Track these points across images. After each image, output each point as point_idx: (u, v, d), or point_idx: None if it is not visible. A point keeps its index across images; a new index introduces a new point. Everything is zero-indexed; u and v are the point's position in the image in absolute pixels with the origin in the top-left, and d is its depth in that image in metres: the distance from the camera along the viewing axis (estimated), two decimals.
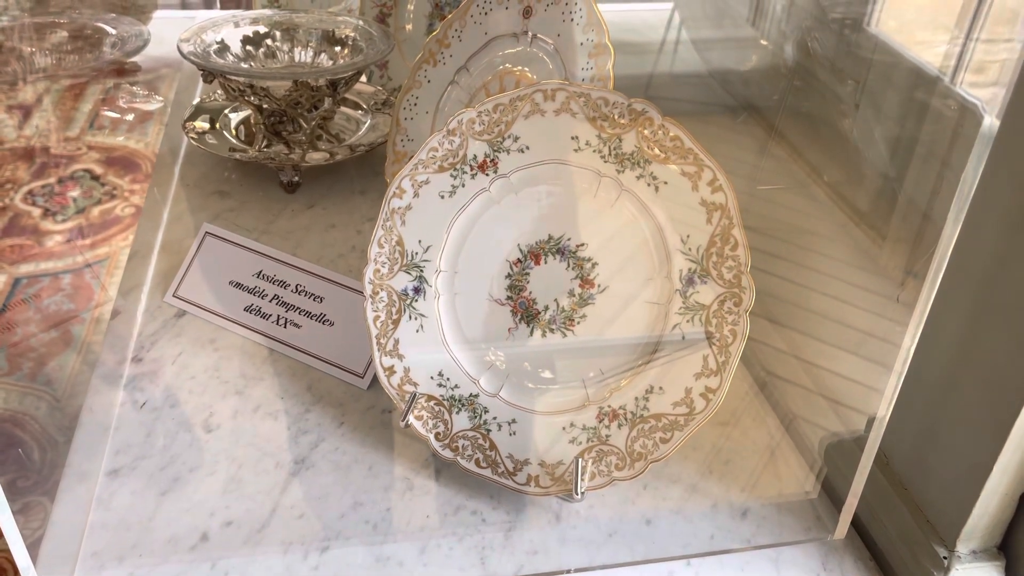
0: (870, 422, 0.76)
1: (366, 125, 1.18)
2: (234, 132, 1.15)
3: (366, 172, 1.16)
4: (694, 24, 1.23)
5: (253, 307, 0.89)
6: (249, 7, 1.41)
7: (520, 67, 0.98)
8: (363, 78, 1.24)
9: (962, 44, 0.75)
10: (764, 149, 1.05)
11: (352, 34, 1.17)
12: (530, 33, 0.96)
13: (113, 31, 1.25)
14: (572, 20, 0.94)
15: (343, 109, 1.21)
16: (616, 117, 0.70)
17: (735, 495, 0.75)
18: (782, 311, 0.87)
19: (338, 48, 1.18)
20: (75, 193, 1.18)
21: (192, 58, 1.05)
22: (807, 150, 0.93)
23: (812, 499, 0.75)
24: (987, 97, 0.59)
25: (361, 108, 1.21)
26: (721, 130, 1.13)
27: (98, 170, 1.22)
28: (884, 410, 0.65)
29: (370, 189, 1.13)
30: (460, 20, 1.00)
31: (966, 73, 0.76)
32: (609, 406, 0.70)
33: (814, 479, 0.77)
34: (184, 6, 1.74)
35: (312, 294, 0.88)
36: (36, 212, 1.16)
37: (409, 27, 1.27)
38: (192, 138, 1.12)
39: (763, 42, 1.16)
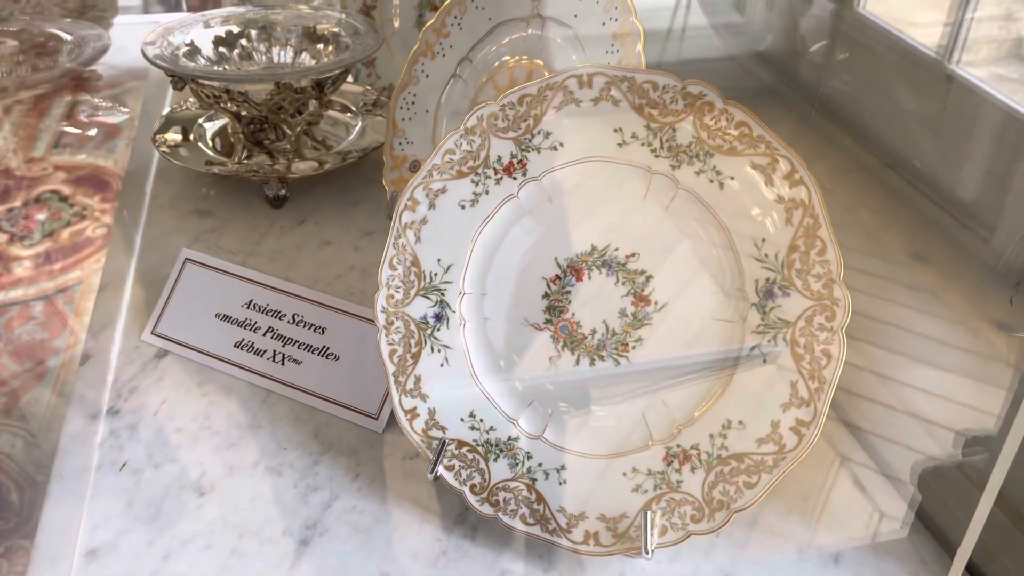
0: (966, 442, 0.66)
1: (356, 129, 1.07)
2: (211, 144, 1.03)
3: (359, 181, 1.05)
4: (713, 8, 1.13)
5: (244, 342, 0.77)
6: (218, 8, 1.30)
7: (532, 57, 0.87)
8: (349, 77, 1.13)
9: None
10: (798, 133, 0.95)
11: (335, 29, 1.06)
12: (542, 16, 0.85)
13: (69, 36, 1.12)
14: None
15: (329, 113, 1.10)
16: (668, 103, 0.60)
17: (822, 537, 0.64)
18: (852, 322, 0.76)
19: (320, 46, 1.06)
20: (42, 216, 1.08)
21: (159, 62, 0.94)
22: (882, 132, 0.83)
23: (911, 537, 0.65)
24: None
25: (350, 111, 1.10)
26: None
27: (66, 190, 1.11)
28: (1013, 442, 0.54)
29: (365, 199, 1.02)
30: (459, 6, 0.89)
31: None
32: (679, 446, 0.59)
33: (907, 511, 0.67)
34: (146, 11, 1.61)
35: (312, 324, 0.76)
36: (2, 238, 1.05)
37: (396, 22, 1.15)
38: (164, 152, 1.00)
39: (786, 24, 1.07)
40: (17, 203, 1.09)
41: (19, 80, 1.09)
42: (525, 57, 0.88)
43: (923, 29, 0.93)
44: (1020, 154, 0.67)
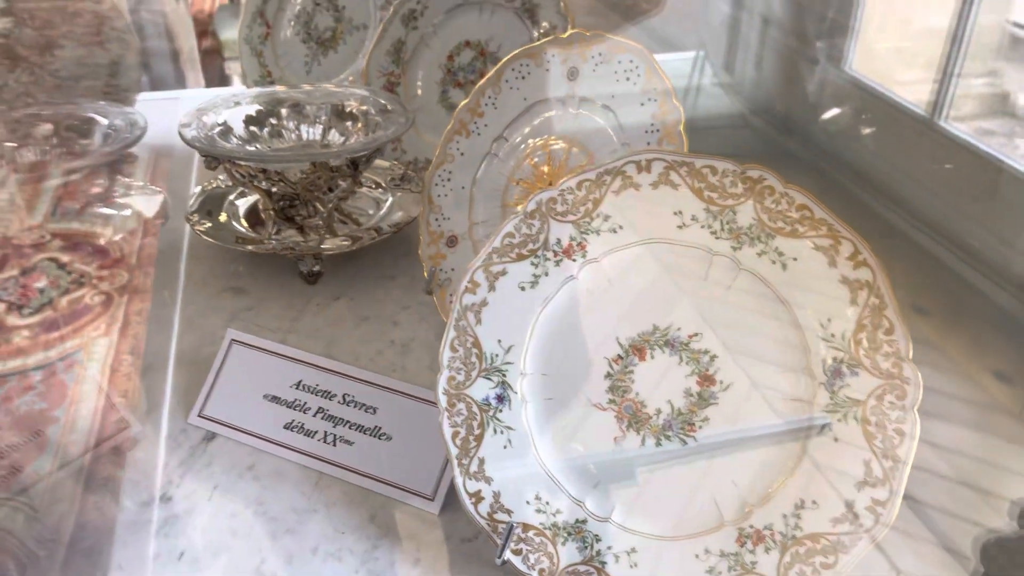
0: (1021, 511, 0.66)
1: (387, 204, 1.08)
2: (244, 221, 1.04)
3: (392, 254, 1.06)
4: (714, 70, 1.16)
5: (295, 424, 0.77)
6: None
7: (568, 135, 0.89)
8: None
9: None
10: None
11: (364, 107, 1.08)
12: (578, 96, 0.87)
13: (104, 120, 1.14)
14: (628, 79, 0.86)
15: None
16: (727, 187, 0.61)
17: None
18: None
19: (349, 123, 1.08)
20: (41, 284, 1.08)
21: (196, 144, 0.95)
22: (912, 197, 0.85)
23: None
24: None
25: (380, 186, 1.12)
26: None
27: (64, 258, 1.11)
28: None
29: (399, 273, 1.03)
30: (493, 86, 0.91)
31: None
32: (752, 526, 0.59)
33: None
34: (153, 87, 1.64)
35: (363, 404, 0.76)
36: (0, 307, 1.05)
37: (420, 93, 1.18)
38: (199, 231, 1.01)
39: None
40: (15, 272, 1.09)
41: (57, 163, 1.10)
42: (562, 138, 0.90)
43: (909, 87, 0.95)
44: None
